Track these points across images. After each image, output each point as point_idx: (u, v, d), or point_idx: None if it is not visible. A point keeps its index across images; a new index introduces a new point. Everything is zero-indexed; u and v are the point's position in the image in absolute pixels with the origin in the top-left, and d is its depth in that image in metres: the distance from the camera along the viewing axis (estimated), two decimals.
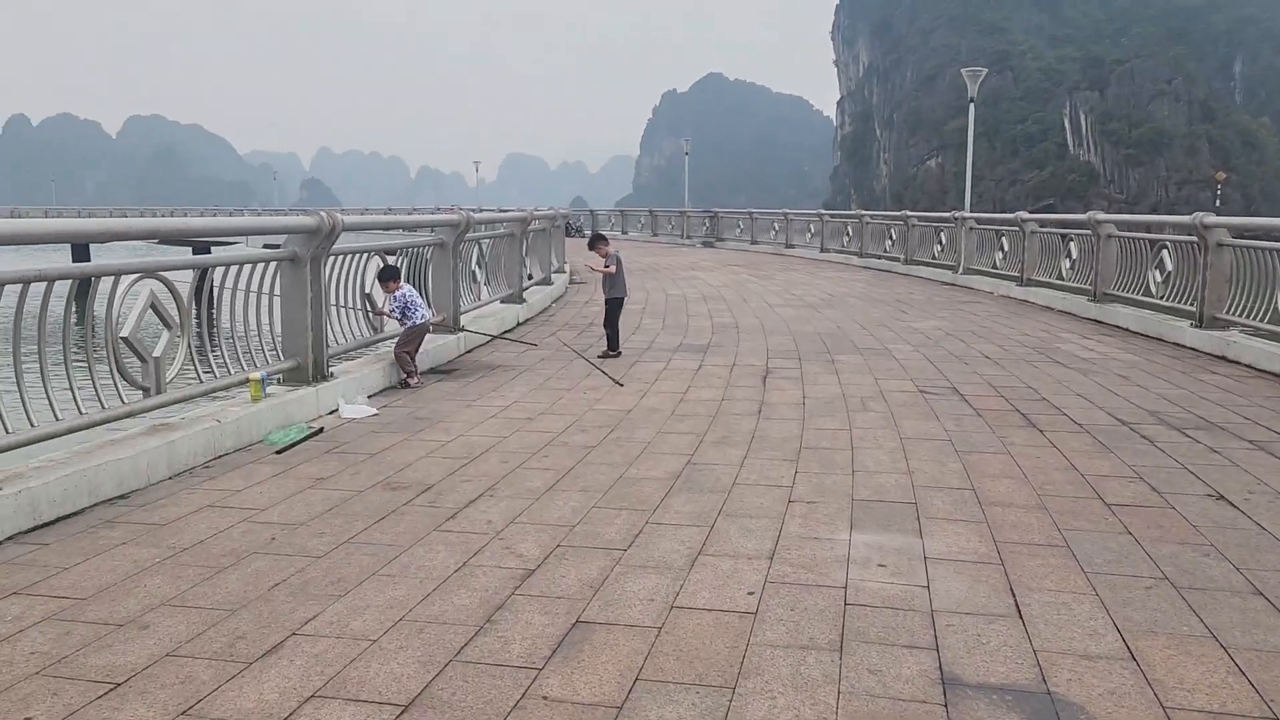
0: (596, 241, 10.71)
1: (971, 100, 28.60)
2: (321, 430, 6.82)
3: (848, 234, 27.89)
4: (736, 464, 5.97)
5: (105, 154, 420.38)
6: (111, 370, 5.57)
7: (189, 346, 6.20)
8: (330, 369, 7.63)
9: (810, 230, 30.94)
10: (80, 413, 5.27)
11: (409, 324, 8.55)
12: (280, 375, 7.25)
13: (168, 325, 6.03)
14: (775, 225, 33.94)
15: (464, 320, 10.98)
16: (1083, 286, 14.49)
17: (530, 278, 15.14)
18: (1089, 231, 14.18)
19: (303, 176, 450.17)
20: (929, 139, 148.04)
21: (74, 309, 5.52)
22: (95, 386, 5.43)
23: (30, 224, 5.12)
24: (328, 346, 7.60)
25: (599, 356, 10.11)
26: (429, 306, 8.91)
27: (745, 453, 6.25)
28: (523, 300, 13.65)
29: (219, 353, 6.65)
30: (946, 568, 4.21)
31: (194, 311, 6.31)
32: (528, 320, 13.60)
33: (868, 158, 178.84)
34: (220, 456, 6.10)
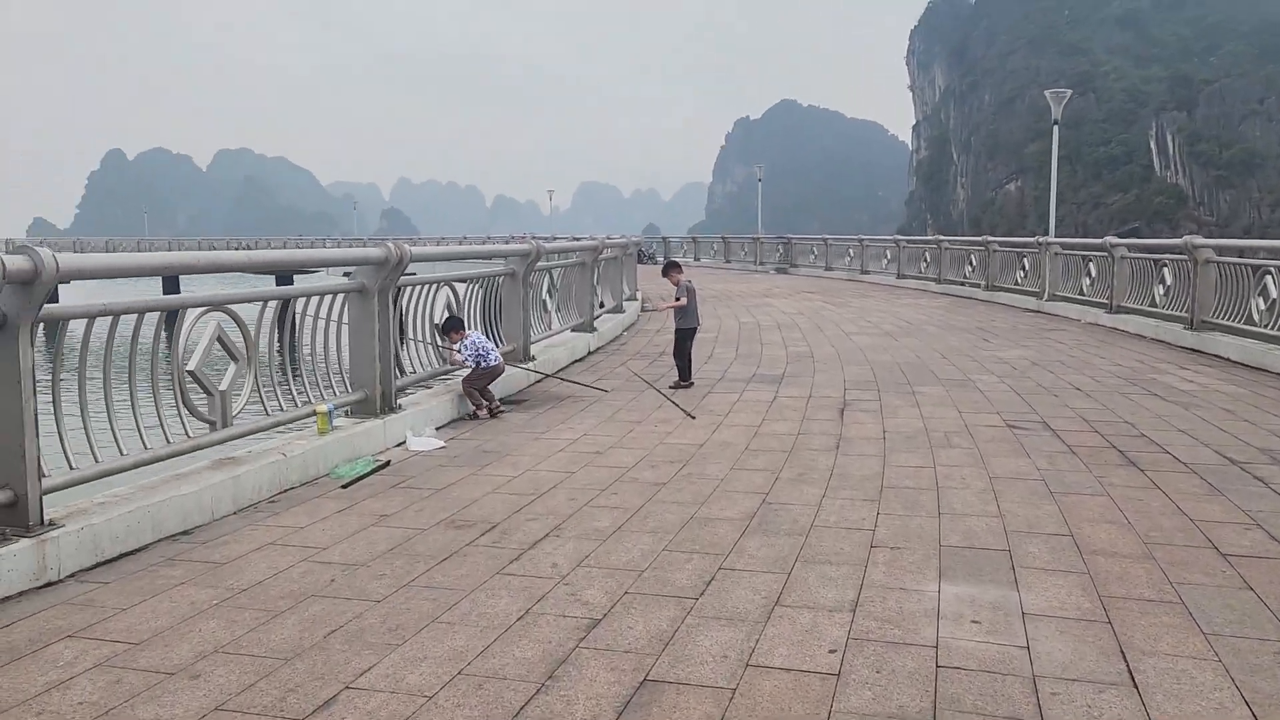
0: (670, 269, 10.51)
1: (1055, 122, 27.81)
2: (388, 463, 6.71)
3: (925, 260, 27.30)
4: (814, 504, 5.67)
5: (196, 186, 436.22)
6: (178, 404, 5.53)
7: (256, 379, 6.15)
8: (398, 401, 7.54)
9: (886, 256, 30.39)
10: (145, 447, 5.22)
11: (483, 368, 8.45)
12: (348, 407, 7.17)
13: (234, 358, 5.98)
14: (850, 251, 33.43)
15: (534, 349, 10.87)
16: (1178, 314, 13.82)
17: (602, 306, 15.02)
18: (1185, 256, 13.53)
19: (383, 206, 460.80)
20: (1008, 163, 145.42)
21: (150, 340, 5.51)
22: (161, 420, 5.38)
23: (107, 259, 5.11)
24: (396, 378, 7.51)
25: (670, 387, 9.88)
26: (499, 342, 8.78)
27: (823, 492, 5.95)
28: (594, 329, 13.51)
29: (287, 385, 6.59)
30: (1048, 625, 3.86)
31: (261, 344, 6.27)
32: (599, 349, 13.45)
33: (944, 182, 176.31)
34: (286, 491, 6.01)
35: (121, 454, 5.05)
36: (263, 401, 6.24)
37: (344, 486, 6.13)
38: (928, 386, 9.93)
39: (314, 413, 6.59)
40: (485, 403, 8.47)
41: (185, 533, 5.16)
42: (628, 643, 3.73)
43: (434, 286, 8.66)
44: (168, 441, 5.38)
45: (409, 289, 8.04)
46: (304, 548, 4.94)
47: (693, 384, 10.06)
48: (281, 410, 6.40)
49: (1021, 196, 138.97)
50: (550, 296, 12.11)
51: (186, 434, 5.54)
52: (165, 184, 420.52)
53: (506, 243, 11.45)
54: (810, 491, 5.95)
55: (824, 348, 13.29)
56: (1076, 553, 4.74)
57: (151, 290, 46.01)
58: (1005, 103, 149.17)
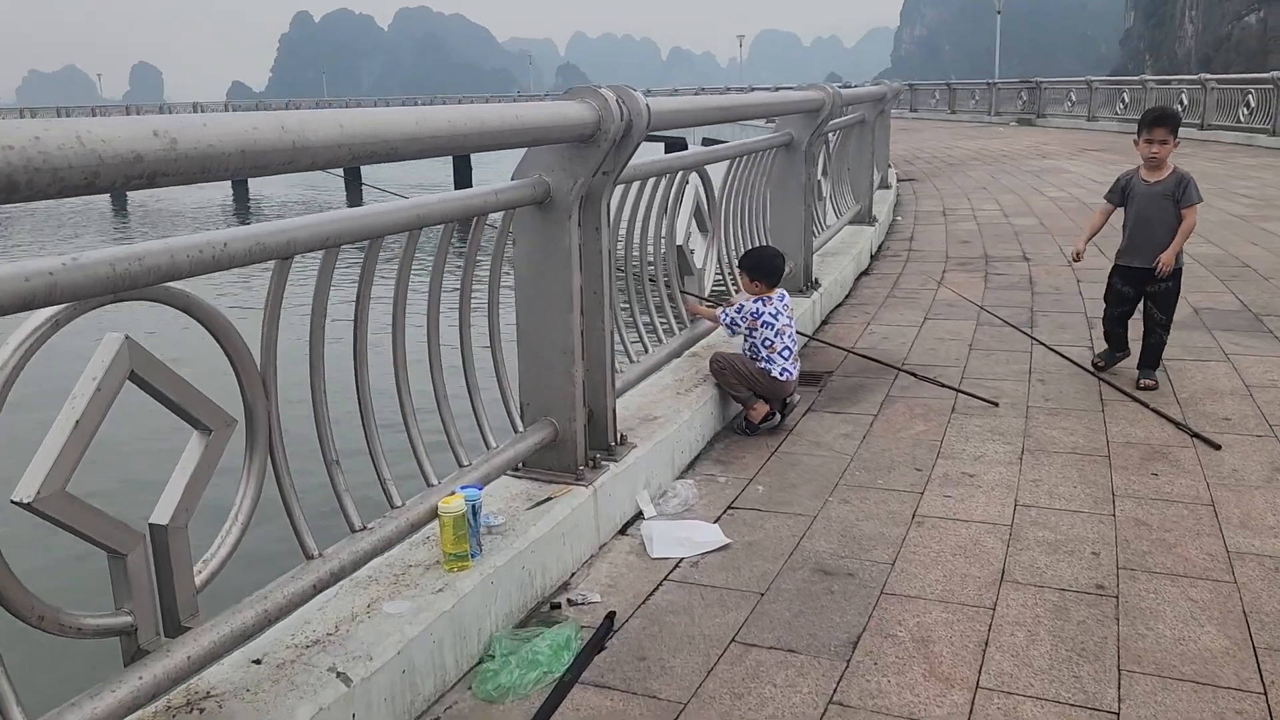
0: (1156, 123, 4.73)
1: None
2: (609, 628, 2.80)
3: (1248, 105, 21.00)
4: None
5: (378, 46, 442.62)
6: None
7: (274, 460, 2.28)
8: (619, 433, 3.58)
9: (1182, 101, 23.96)
10: None
11: (758, 369, 4.38)
12: (520, 463, 3.27)
13: (201, 425, 2.09)
14: (1126, 96, 26.97)
15: (815, 264, 6.70)
16: None
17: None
18: None
19: (558, 62, 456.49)
20: None
21: None
22: None
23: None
24: (614, 379, 3.52)
25: (1100, 364, 5.13)
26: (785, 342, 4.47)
27: None
28: (874, 219, 9.15)
29: (374, 464, 2.68)
30: None
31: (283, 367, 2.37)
32: (881, 249, 9.13)
33: (1168, 16, 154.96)
34: None
35: None
36: (294, 520, 2.37)
37: None
38: None
39: (434, 515, 2.70)
40: (761, 400, 4.41)
41: None
42: None
43: (667, 181, 4.52)
44: None
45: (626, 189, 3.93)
46: None
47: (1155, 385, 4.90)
48: (355, 529, 2.52)
49: (1264, 30, 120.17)
50: (824, 176, 7.79)
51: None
52: (349, 45, 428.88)
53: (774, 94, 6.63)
54: None
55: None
56: None
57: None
58: None
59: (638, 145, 3.23)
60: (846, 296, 7.15)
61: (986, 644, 2.67)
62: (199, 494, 2.11)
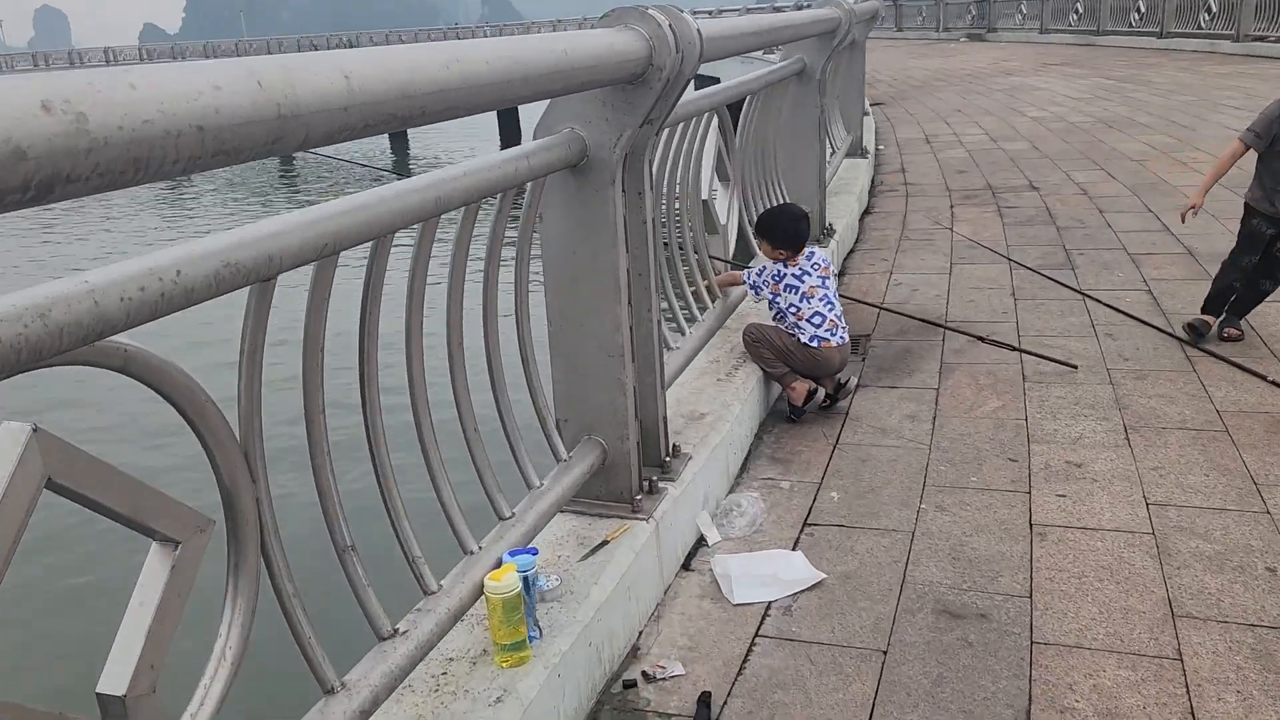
0: None
1: None
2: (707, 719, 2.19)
3: (1209, 10, 20.54)
4: None
5: None
6: None
7: (265, 573, 1.60)
8: (671, 442, 2.93)
9: (1140, 9, 23.45)
10: None
11: (791, 342, 3.75)
12: (567, 497, 2.61)
13: (157, 537, 1.41)
14: (1079, 7, 26.40)
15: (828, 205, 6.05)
16: None
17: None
18: None
19: None
20: None
21: None
22: None
23: None
24: (664, 377, 2.86)
25: (1215, 332, 4.36)
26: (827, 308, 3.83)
27: None
28: (865, 150, 8.51)
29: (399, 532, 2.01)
30: None
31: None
32: (874, 183, 8.50)
33: None
34: None
35: None
36: (298, 645, 1.71)
37: None
38: None
39: (478, 594, 2.05)
40: (801, 378, 3.78)
41: None
42: None
43: (697, 122, 3.81)
44: None
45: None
46: None
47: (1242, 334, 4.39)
48: (383, 635, 1.86)
49: None
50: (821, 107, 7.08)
51: None
52: None
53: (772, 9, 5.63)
54: None
55: None
56: None
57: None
58: None
59: (688, 83, 2.54)
60: (857, 241, 6.53)
61: (1193, 715, 2.10)
62: (167, 638, 1.43)
